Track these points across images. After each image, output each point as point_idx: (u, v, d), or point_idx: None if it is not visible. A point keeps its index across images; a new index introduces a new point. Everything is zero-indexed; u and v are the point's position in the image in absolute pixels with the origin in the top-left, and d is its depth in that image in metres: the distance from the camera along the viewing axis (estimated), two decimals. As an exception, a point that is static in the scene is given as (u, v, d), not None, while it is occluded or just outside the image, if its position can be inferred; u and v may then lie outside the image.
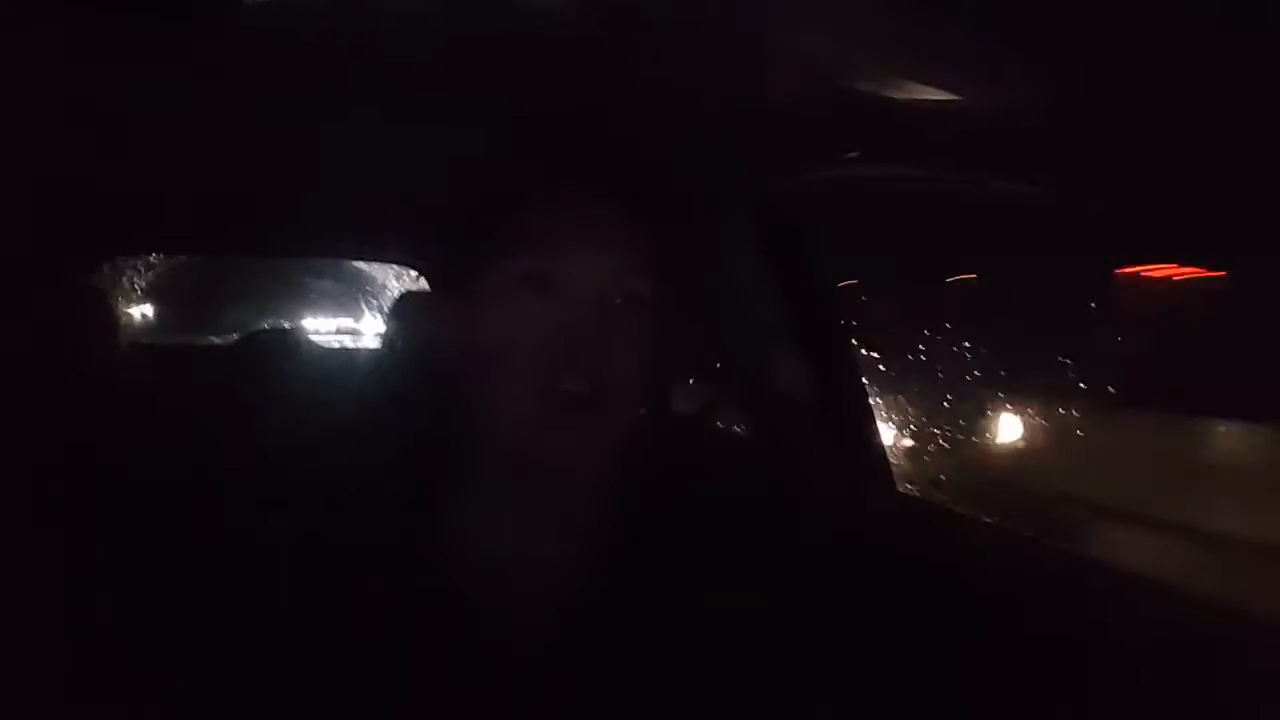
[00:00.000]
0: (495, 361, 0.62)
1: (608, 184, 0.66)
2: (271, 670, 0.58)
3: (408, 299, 1.38)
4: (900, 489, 1.11)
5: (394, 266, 2.56)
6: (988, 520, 1.05)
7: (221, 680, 0.59)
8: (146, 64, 0.73)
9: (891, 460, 0.96)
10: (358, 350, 2.92)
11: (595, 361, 0.60)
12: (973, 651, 0.78)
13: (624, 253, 0.64)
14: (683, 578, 0.64)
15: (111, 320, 1.33)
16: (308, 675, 0.58)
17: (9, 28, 0.62)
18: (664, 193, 0.71)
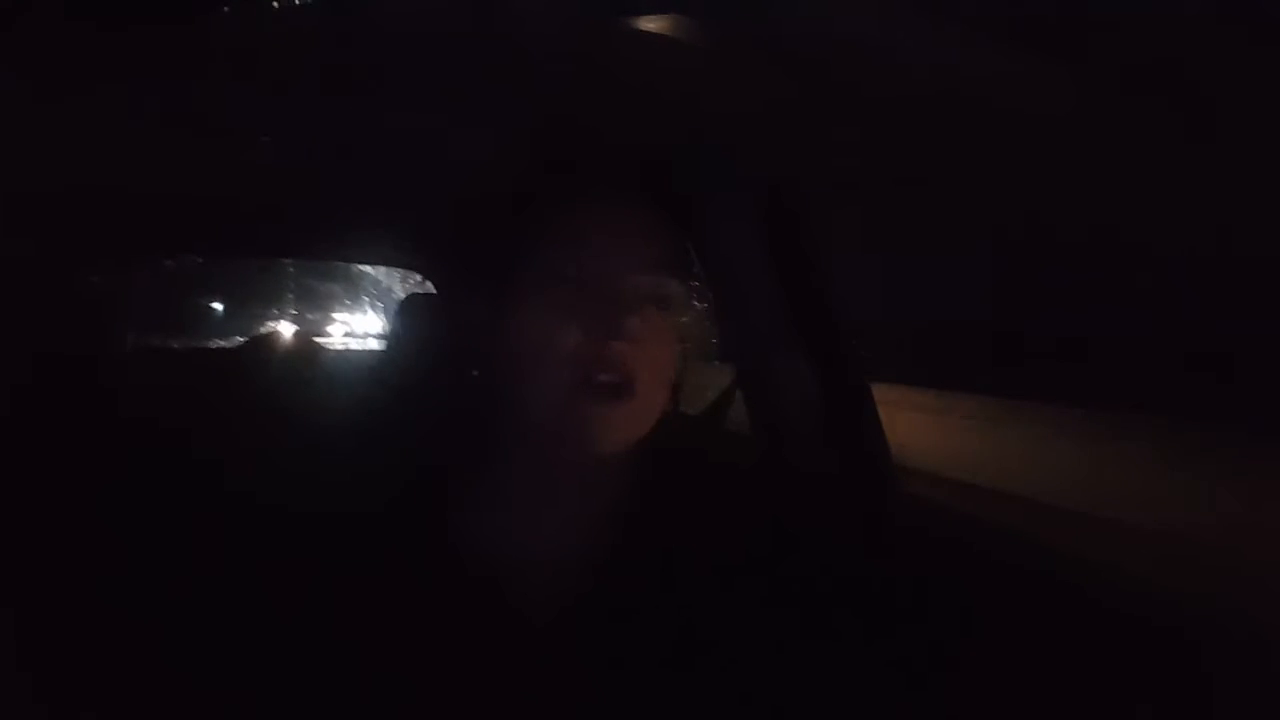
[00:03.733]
0: (529, 356, 0.63)
1: (635, 183, 0.68)
2: (270, 666, 0.59)
3: (414, 300, 1.38)
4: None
5: (399, 271, 2.57)
6: (993, 522, 1.06)
7: (235, 673, 0.60)
8: (147, 65, 0.73)
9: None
10: (366, 352, 2.92)
11: (629, 352, 0.62)
12: (977, 654, 0.78)
13: (655, 254, 0.66)
14: (690, 573, 0.65)
15: (117, 323, 1.34)
16: (327, 668, 0.58)
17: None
18: (687, 192, 0.72)
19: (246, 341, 1.87)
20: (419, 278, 2.18)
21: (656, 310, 0.65)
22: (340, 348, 3.42)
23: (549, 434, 0.64)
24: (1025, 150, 0.80)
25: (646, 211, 0.68)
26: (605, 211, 0.67)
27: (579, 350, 0.62)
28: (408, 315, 1.33)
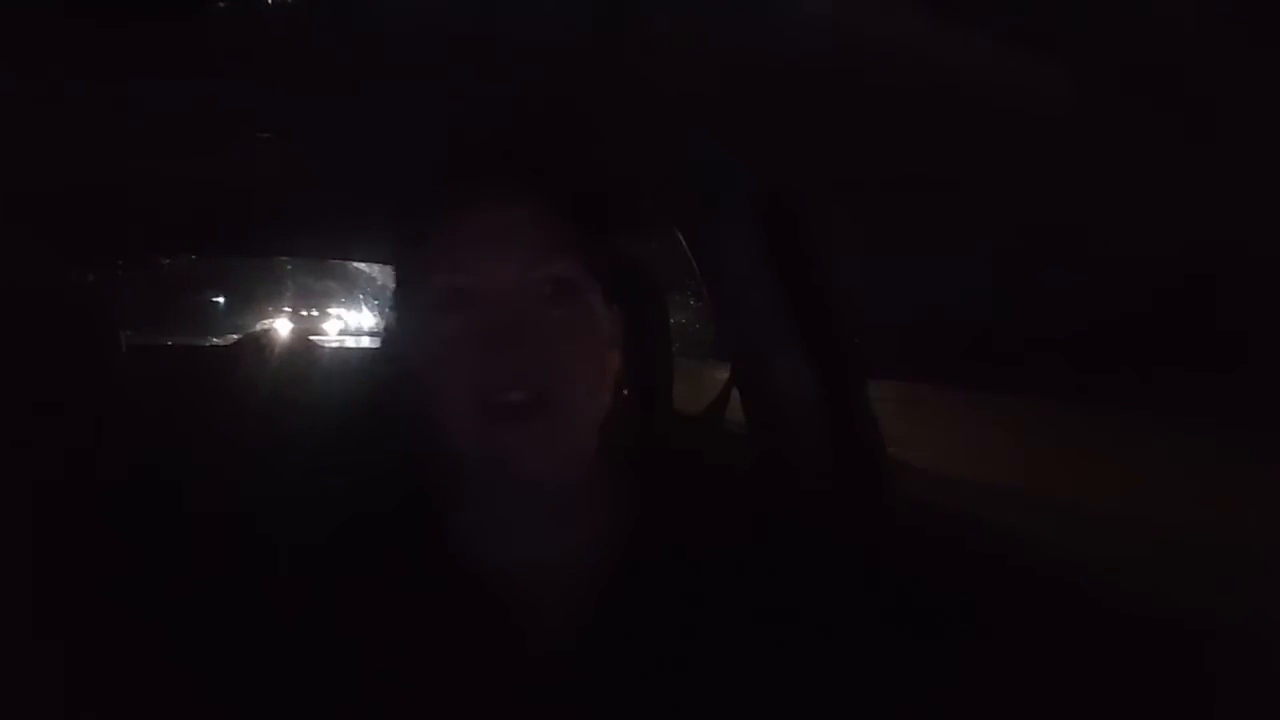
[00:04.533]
0: (434, 378, 0.61)
1: (508, 186, 0.65)
2: (267, 669, 0.58)
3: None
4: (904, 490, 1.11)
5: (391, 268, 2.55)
6: (993, 524, 1.06)
7: (234, 676, 0.59)
8: (139, 63, 0.73)
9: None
10: (361, 350, 2.91)
11: (529, 364, 0.59)
12: (977, 654, 0.78)
13: (538, 247, 0.62)
14: (690, 576, 0.64)
15: (110, 322, 1.33)
16: (302, 675, 0.58)
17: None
18: (578, 179, 0.70)
19: (240, 339, 1.86)
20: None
21: (559, 305, 0.61)
22: (335, 345, 3.41)
23: (478, 463, 0.60)
24: (1025, 150, 0.80)
25: (522, 204, 0.64)
26: (474, 214, 0.63)
27: (473, 373, 0.58)
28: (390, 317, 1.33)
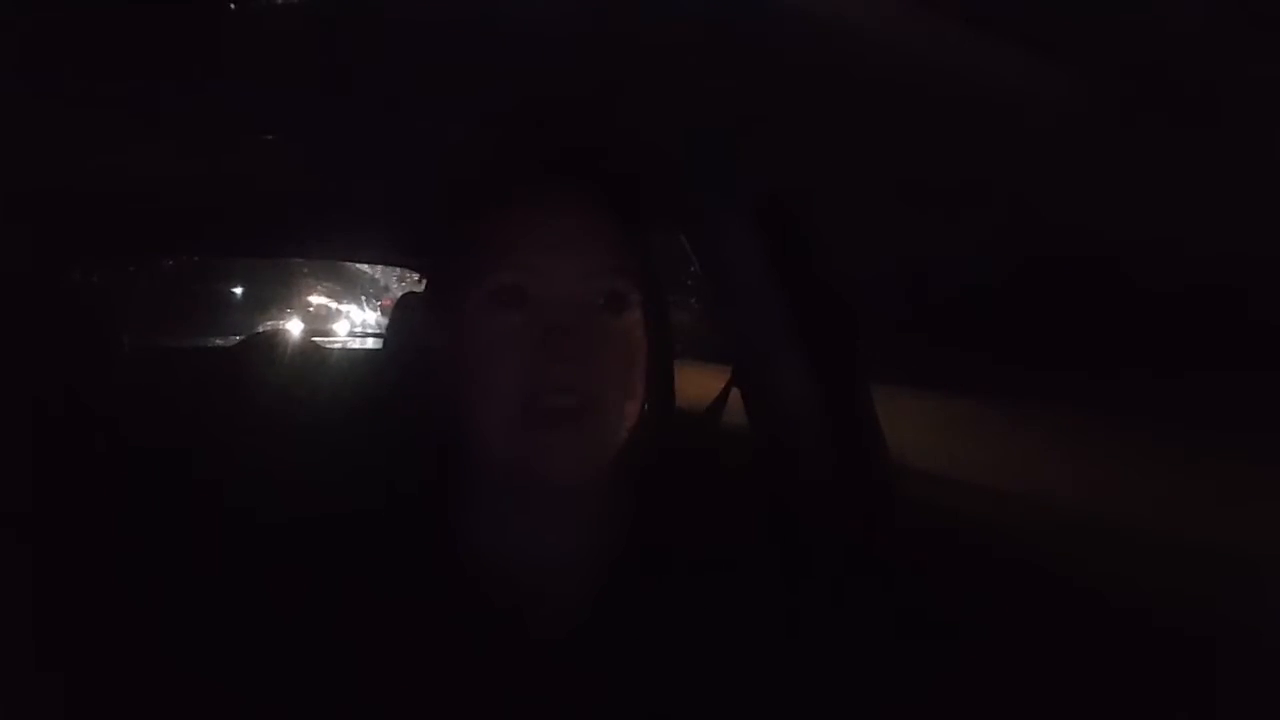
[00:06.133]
0: (479, 377, 0.60)
1: (576, 188, 0.64)
2: (269, 668, 0.59)
3: (409, 300, 1.37)
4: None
5: (397, 269, 2.56)
6: (994, 524, 1.06)
7: (234, 676, 0.59)
8: (142, 62, 0.73)
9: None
10: (364, 350, 2.91)
11: (579, 370, 0.59)
12: (977, 654, 0.78)
13: (599, 256, 0.62)
14: (691, 578, 0.64)
15: (114, 322, 1.33)
16: (304, 673, 0.58)
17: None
18: (637, 189, 0.70)
19: (242, 340, 1.87)
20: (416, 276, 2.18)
21: (611, 316, 0.61)
22: (337, 347, 3.41)
23: (508, 464, 0.60)
24: (1027, 150, 0.80)
25: (588, 208, 0.64)
26: (552, 219, 0.62)
27: (523, 374, 0.58)
28: (402, 314, 1.33)
